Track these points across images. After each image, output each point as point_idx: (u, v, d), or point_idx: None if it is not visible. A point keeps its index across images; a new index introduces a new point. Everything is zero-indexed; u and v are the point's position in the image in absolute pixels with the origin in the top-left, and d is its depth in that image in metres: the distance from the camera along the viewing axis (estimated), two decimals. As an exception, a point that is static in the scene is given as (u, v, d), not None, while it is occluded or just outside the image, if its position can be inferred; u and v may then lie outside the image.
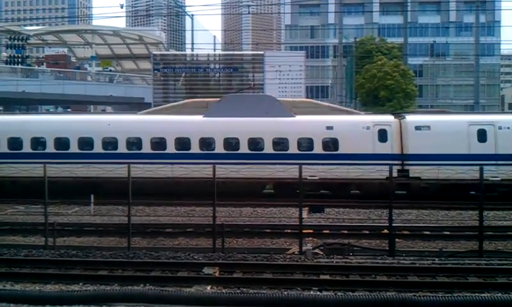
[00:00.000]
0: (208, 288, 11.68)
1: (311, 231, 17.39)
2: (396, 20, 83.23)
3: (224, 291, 11.34)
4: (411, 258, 14.11)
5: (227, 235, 16.27)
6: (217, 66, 46.84)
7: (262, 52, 48.43)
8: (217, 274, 12.55)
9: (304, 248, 14.92)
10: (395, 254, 14.80)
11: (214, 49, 69.96)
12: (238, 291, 11.23)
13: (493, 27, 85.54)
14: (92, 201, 21.33)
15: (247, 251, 15.31)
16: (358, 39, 64.37)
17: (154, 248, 15.85)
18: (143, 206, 21.49)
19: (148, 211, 21.40)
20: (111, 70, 71.86)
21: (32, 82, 56.38)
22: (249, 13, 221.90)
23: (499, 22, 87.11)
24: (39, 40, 69.08)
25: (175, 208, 21.72)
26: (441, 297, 10.47)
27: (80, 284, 12.04)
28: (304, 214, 18.28)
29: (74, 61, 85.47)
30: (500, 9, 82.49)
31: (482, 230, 15.11)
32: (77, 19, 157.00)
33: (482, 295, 10.48)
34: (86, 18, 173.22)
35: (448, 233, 17.51)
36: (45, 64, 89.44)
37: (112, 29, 65.67)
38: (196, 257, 14.02)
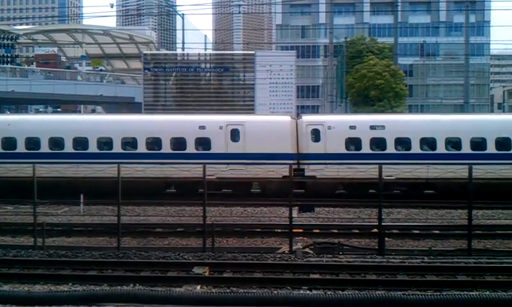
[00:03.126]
0: (198, 287, 11.68)
1: (301, 230, 17.44)
2: (387, 20, 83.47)
3: (214, 290, 11.33)
4: (401, 257, 14.19)
5: (217, 235, 16.30)
6: (208, 65, 46.75)
7: (253, 52, 48.38)
8: (207, 274, 12.56)
9: (294, 247, 14.95)
10: (385, 253, 14.86)
11: (205, 49, 69.86)
12: (228, 290, 11.23)
13: (482, 27, 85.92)
14: (82, 201, 21.25)
15: (237, 250, 15.32)
16: (348, 39, 64.46)
17: (144, 248, 15.82)
18: (133, 206, 21.43)
19: (138, 211, 21.35)
20: (101, 70, 71.55)
21: (21, 82, 56.02)
22: (240, 12, 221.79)
23: (489, 22, 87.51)
24: (29, 39, 68.53)
25: (165, 207, 21.70)
26: (430, 295, 10.52)
27: (70, 284, 12.01)
28: (295, 213, 18.30)
29: (64, 60, 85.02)
30: (490, 9, 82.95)
31: (471, 229, 15.19)
32: (67, 18, 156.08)
33: (471, 293, 10.52)
34: (76, 17, 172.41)
35: (437, 232, 17.61)
36: (34, 63, 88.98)
37: (102, 29, 65.30)
38: (186, 257, 14.04)
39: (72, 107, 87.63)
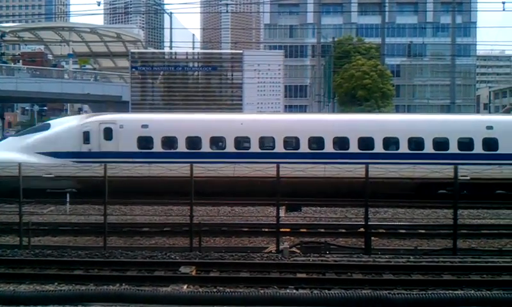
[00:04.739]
0: (185, 287, 11.65)
1: (288, 229, 17.43)
2: (374, 20, 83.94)
3: (201, 290, 11.33)
4: (387, 256, 14.23)
5: (204, 234, 16.24)
6: (196, 64, 46.64)
7: (241, 51, 48.35)
8: (193, 273, 12.53)
9: (281, 247, 14.96)
10: (371, 252, 14.92)
11: (193, 48, 69.70)
12: (215, 290, 11.23)
13: (469, 28, 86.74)
14: (68, 200, 21.12)
15: (224, 249, 15.29)
16: (336, 39, 64.70)
17: (130, 247, 15.73)
18: (120, 205, 21.31)
19: (124, 210, 21.22)
20: (94, 69, 71.20)
21: (7, 80, 55.61)
22: (228, 11, 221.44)
23: (475, 23, 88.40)
24: (15, 37, 68.04)
25: (151, 207, 21.62)
26: (416, 294, 10.58)
27: (56, 284, 11.92)
28: (282, 213, 18.33)
29: (51, 58, 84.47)
30: (476, 11, 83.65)
31: (457, 228, 15.30)
32: (54, 16, 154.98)
33: (456, 292, 10.61)
34: (63, 15, 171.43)
35: (423, 231, 17.69)
36: (21, 61, 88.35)
37: (89, 27, 65.00)
38: (172, 256, 13.97)
39: (58, 105, 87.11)
